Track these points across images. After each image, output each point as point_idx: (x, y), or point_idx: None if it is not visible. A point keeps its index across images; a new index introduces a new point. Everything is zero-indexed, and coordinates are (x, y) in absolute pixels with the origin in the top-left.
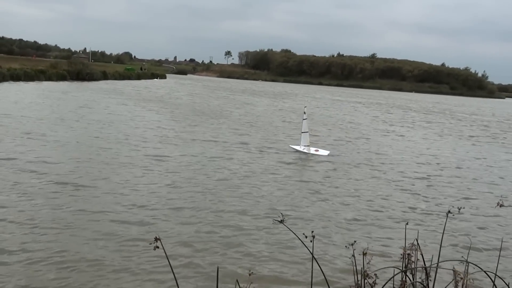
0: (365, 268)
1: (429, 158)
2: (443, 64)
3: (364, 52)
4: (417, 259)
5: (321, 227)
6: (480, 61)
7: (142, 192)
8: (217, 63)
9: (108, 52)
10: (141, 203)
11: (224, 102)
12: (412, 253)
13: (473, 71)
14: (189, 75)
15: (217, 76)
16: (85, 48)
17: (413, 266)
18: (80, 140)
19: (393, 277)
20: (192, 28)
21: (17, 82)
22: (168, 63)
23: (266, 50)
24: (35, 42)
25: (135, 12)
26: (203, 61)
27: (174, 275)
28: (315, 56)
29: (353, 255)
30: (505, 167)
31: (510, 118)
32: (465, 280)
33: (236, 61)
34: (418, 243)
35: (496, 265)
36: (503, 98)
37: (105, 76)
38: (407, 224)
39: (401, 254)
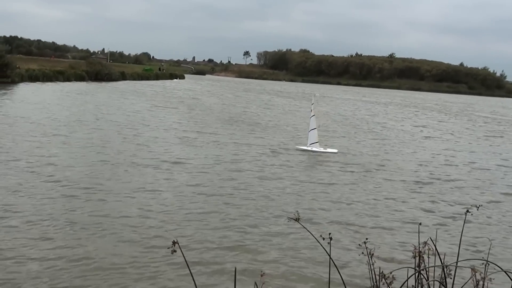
0: (381, 269)
1: (449, 159)
2: (461, 64)
3: (383, 52)
4: (434, 259)
5: (334, 229)
6: (498, 61)
7: (159, 195)
8: (235, 63)
9: (126, 53)
10: (157, 206)
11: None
12: (426, 252)
13: (492, 71)
14: (207, 76)
15: (236, 76)
16: (103, 49)
17: (430, 266)
18: (99, 142)
19: (410, 277)
20: (211, 28)
21: (35, 83)
22: (186, 63)
23: (284, 50)
24: (53, 42)
25: (153, 12)
26: (221, 61)
27: (192, 276)
28: (333, 56)
29: (369, 255)
30: None
31: None
32: (485, 280)
33: (254, 61)
34: (435, 244)
35: None
36: None
37: (123, 77)
38: (420, 224)
39: (413, 253)
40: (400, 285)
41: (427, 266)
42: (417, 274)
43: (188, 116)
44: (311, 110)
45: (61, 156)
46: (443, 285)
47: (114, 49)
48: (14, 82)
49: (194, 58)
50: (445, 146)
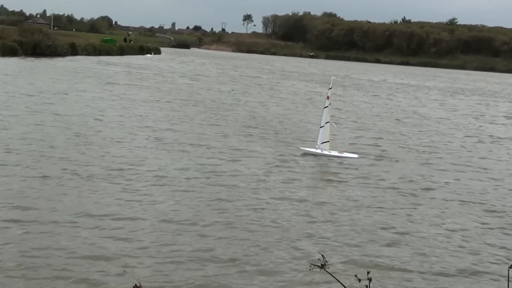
0: None
1: None
2: None
3: (440, 17)
4: None
5: (375, 277)
6: None
7: (118, 222)
8: (232, 32)
9: (77, 16)
10: (116, 241)
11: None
12: None
13: None
14: (193, 49)
15: (233, 50)
16: (44, 10)
17: None
18: (35, 147)
19: None
20: None
21: None
22: (163, 32)
23: (301, 13)
24: None
25: None
26: (212, 29)
27: None
28: (370, 22)
29: None
30: None
31: None
32: None
33: (259, 28)
34: None
35: None
36: None
37: (74, 51)
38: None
39: None
40: None
41: None
42: None
43: (164, 108)
44: (328, 98)
45: None
46: None
47: (59, 11)
48: None
49: (174, 25)
50: None
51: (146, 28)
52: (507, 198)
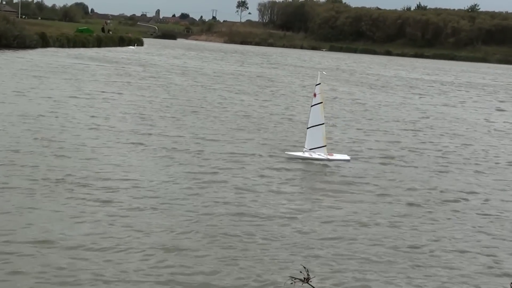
0: None
1: None
2: None
3: (459, 3)
4: None
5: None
6: None
7: (80, 246)
8: (224, 21)
9: (49, 3)
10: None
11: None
12: None
13: None
14: (180, 40)
15: (225, 41)
16: None
17: None
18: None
19: None
20: None
21: None
22: (146, 20)
23: None
24: None
25: None
26: (201, 17)
27: None
28: (380, 9)
29: None
30: None
31: None
32: None
33: (254, 16)
34: None
35: None
36: None
37: (44, 42)
38: None
39: None
40: None
41: None
42: None
43: (146, 109)
44: (315, 95)
45: None
46: None
47: None
48: None
49: (158, 12)
50: None
51: (127, 16)
52: None
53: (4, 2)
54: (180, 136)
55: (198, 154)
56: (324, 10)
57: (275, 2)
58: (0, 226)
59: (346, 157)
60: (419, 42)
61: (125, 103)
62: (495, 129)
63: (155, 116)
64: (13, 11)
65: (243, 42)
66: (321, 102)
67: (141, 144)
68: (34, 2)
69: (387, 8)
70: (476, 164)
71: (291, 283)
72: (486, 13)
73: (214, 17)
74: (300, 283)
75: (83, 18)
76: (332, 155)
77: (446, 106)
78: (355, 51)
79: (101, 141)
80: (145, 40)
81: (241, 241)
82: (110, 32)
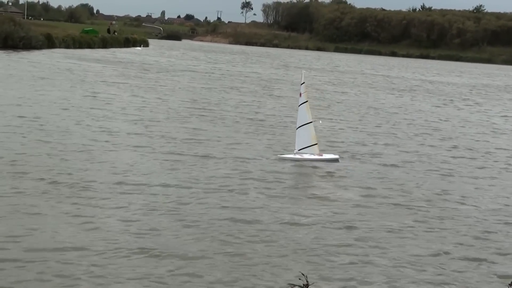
0: None
1: None
2: None
3: (465, 4)
4: None
5: None
6: None
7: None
8: (228, 22)
9: (54, 4)
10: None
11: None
12: None
13: None
14: (184, 41)
15: (229, 42)
16: None
17: None
18: None
19: None
20: None
21: None
22: (151, 21)
23: (307, 0)
24: None
25: None
26: (206, 18)
27: None
28: (385, 10)
29: None
30: None
31: None
32: None
33: (259, 18)
34: None
35: None
36: None
37: (50, 43)
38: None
39: None
40: None
41: None
42: None
43: (151, 111)
44: (300, 94)
45: None
46: None
47: None
48: None
49: (163, 13)
50: None
51: (132, 17)
52: None
53: (10, 3)
54: (186, 139)
55: (202, 158)
56: (329, 11)
57: (280, 3)
58: (7, 231)
59: (335, 156)
60: (424, 43)
61: (133, 105)
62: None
63: (161, 117)
64: (19, 12)
65: (248, 43)
66: (307, 101)
67: (147, 147)
68: (40, 3)
69: (392, 9)
70: (483, 168)
71: None
72: (492, 14)
73: (219, 18)
74: None
75: (89, 19)
76: (322, 155)
77: (444, 107)
78: (360, 52)
79: (106, 144)
80: (150, 41)
81: (237, 247)
82: (116, 33)
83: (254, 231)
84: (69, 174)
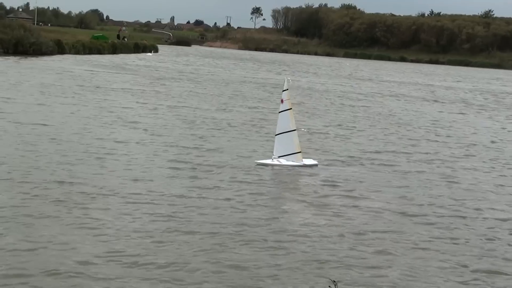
0: None
1: None
2: None
3: (474, 9)
4: None
5: None
6: None
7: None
8: (238, 27)
9: (65, 10)
10: None
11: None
12: None
13: None
14: (194, 47)
15: (239, 48)
16: (27, 4)
17: None
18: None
19: None
20: None
21: None
22: (161, 27)
23: (316, 6)
24: None
25: None
26: (216, 24)
27: None
28: (394, 15)
29: None
30: None
31: None
32: None
33: (268, 23)
34: None
35: None
36: None
37: (60, 49)
38: None
39: None
40: None
41: None
42: None
43: (164, 119)
44: (282, 101)
45: None
46: None
47: (44, 4)
48: None
49: (173, 19)
50: None
51: (142, 23)
52: None
53: (20, 10)
54: (195, 147)
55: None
56: (339, 16)
57: (289, 8)
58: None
59: (314, 162)
60: (433, 48)
61: (145, 112)
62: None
63: (170, 124)
64: (30, 18)
65: (257, 49)
66: (290, 109)
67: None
68: (50, 9)
69: (401, 14)
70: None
71: None
72: (501, 19)
73: (228, 24)
74: None
75: (99, 25)
76: (302, 161)
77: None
78: (369, 57)
79: (115, 152)
80: (160, 46)
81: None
82: (125, 39)
83: (254, 240)
84: (80, 183)
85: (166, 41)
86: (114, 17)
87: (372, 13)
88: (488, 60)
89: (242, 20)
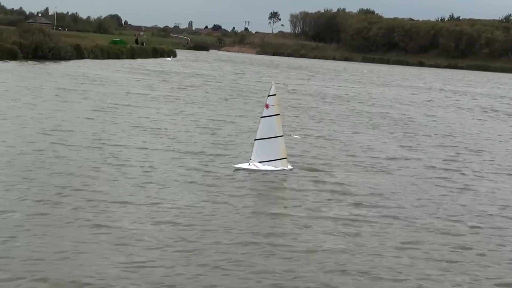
0: None
1: None
2: None
3: (493, 14)
4: None
5: None
6: None
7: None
8: (256, 32)
9: (83, 15)
10: None
11: None
12: None
13: None
14: (212, 51)
15: (257, 52)
16: (46, 8)
17: None
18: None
19: None
20: None
21: None
22: (179, 32)
23: (334, 10)
24: None
25: None
26: (234, 28)
27: None
28: (413, 20)
29: None
30: None
31: None
32: None
33: (286, 28)
34: None
35: None
36: None
37: (79, 53)
38: None
39: None
40: None
41: None
42: None
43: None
44: (268, 106)
45: None
46: None
47: (63, 9)
48: None
49: (191, 24)
50: None
51: (160, 27)
52: None
53: (39, 14)
54: (217, 154)
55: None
56: (357, 21)
57: (307, 13)
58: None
59: (290, 167)
60: (452, 53)
61: (167, 119)
62: None
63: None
64: (49, 23)
65: (275, 53)
66: (278, 114)
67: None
68: (69, 14)
69: (420, 19)
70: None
71: None
72: None
73: (246, 29)
74: None
75: (117, 30)
76: (288, 166)
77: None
78: (387, 62)
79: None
80: (178, 51)
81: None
82: (144, 44)
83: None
84: (93, 190)
85: (184, 46)
86: (133, 22)
87: (390, 18)
88: (507, 65)
89: (260, 24)
